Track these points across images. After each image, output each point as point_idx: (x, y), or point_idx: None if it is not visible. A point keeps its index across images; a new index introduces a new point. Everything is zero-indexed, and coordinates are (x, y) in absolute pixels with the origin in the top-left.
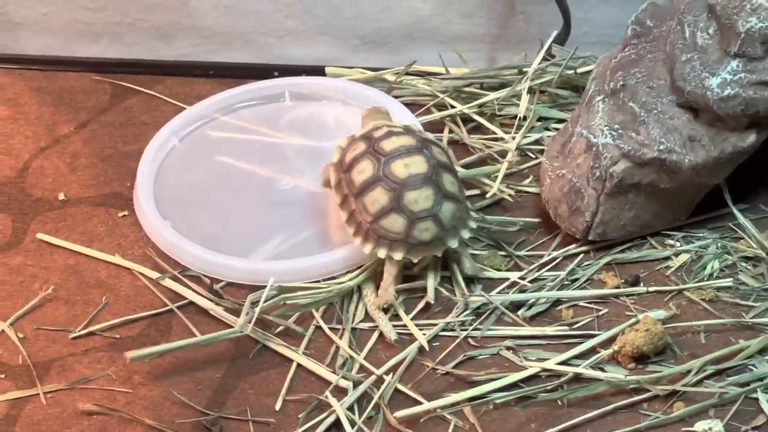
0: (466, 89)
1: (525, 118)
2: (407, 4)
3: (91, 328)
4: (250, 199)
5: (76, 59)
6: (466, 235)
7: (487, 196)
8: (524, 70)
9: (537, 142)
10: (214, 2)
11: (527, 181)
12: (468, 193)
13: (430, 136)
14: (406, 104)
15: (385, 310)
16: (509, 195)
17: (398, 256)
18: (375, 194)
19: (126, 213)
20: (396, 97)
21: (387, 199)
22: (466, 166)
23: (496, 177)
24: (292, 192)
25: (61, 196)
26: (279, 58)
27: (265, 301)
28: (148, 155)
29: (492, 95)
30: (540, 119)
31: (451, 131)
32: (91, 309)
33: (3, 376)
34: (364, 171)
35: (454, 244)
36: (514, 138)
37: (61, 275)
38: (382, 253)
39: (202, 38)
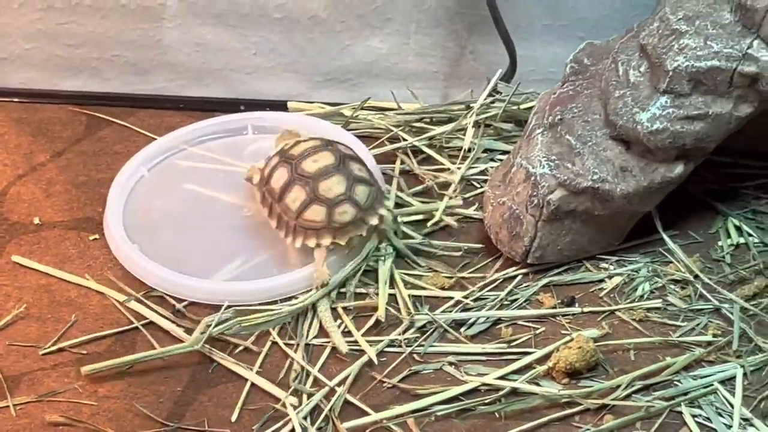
0: (417, 123)
1: (470, 150)
2: (366, 44)
3: (61, 345)
4: (214, 224)
5: (56, 92)
6: (383, 212)
7: (429, 224)
8: (471, 105)
9: (483, 172)
10: (187, 40)
11: (472, 208)
12: (415, 218)
13: (343, 145)
14: (362, 137)
15: (323, 286)
16: (453, 222)
17: (326, 242)
18: (293, 193)
19: (97, 236)
20: (352, 130)
21: (304, 194)
22: (417, 195)
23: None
24: (253, 218)
25: (36, 221)
26: (247, 93)
27: (220, 323)
28: (118, 182)
29: (440, 129)
30: (486, 151)
31: (402, 162)
32: (60, 326)
33: None
34: (280, 178)
35: (374, 221)
36: (459, 168)
37: (33, 294)
38: (311, 242)
39: (176, 74)
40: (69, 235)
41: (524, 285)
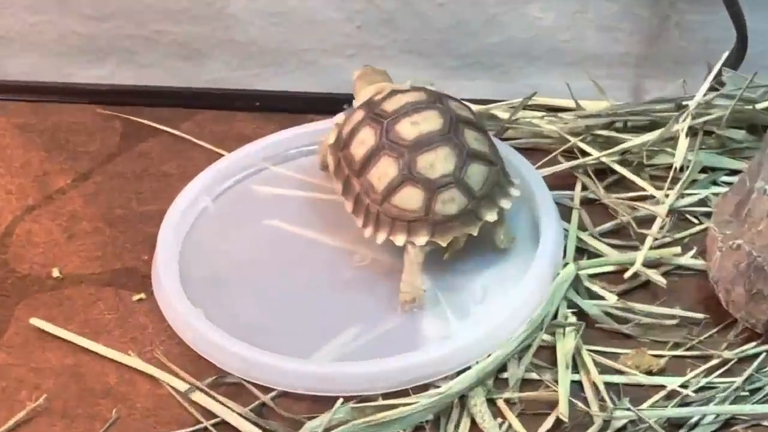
0: (604, 131)
1: (683, 169)
2: (522, 12)
3: None
4: (312, 278)
5: (75, 86)
6: (506, 205)
7: (626, 276)
8: (683, 103)
9: (701, 201)
10: (260, 7)
11: (688, 255)
12: (605, 270)
13: (459, 103)
14: (523, 149)
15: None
16: (660, 277)
17: (421, 240)
18: (381, 166)
19: (143, 296)
20: (509, 139)
21: (395, 168)
22: (606, 235)
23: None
24: (368, 269)
25: (56, 273)
26: (348, 85)
27: (329, 429)
28: (172, 218)
29: (639, 138)
30: (706, 170)
31: (584, 187)
32: (97, 426)
33: None
34: (364, 141)
35: (492, 216)
36: (667, 196)
37: (56, 380)
38: (400, 240)
39: (243, 57)
40: (103, 293)
41: None
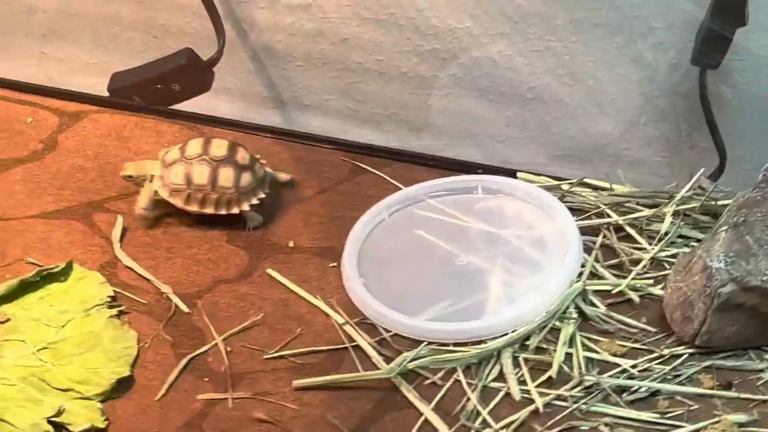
0: (625, 204)
1: (667, 234)
2: (601, 129)
3: (282, 353)
4: (432, 267)
5: (339, 141)
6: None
7: (613, 292)
8: (673, 195)
9: (674, 255)
10: (452, 107)
11: (659, 287)
12: (603, 288)
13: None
14: (572, 209)
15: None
16: (636, 297)
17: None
18: (223, 174)
19: (335, 264)
20: (567, 202)
21: (232, 170)
22: (610, 267)
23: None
24: (465, 267)
25: (291, 244)
26: (496, 157)
27: (415, 359)
28: (362, 221)
29: (642, 213)
30: (681, 237)
31: (604, 236)
32: (287, 337)
33: (207, 379)
34: (202, 173)
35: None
36: (653, 249)
37: (272, 306)
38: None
39: (440, 134)
40: (313, 260)
41: (689, 364)
